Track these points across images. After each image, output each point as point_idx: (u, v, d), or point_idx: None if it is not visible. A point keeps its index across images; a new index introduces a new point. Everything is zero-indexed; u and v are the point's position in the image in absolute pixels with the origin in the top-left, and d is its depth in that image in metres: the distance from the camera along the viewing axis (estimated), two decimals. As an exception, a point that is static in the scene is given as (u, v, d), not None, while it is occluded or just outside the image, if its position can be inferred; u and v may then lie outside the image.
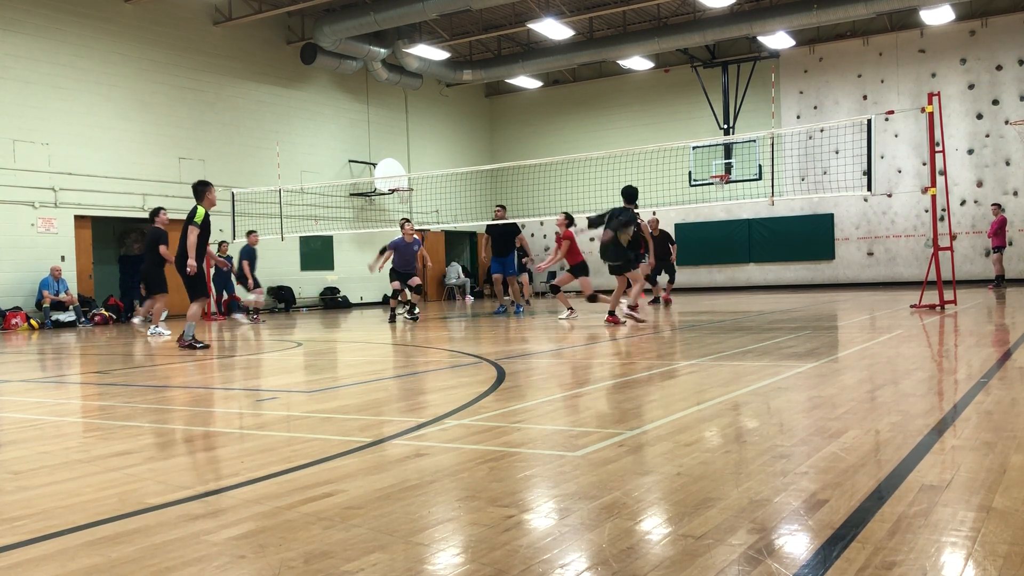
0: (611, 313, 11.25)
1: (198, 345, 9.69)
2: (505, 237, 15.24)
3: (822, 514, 2.49)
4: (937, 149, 12.53)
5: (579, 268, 13.12)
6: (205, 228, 9.80)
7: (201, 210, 9.73)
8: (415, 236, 14.62)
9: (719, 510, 2.57)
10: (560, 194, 22.89)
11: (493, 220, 15.91)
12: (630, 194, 11.42)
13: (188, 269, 9.64)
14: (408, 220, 14.78)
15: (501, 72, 25.65)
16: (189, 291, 9.92)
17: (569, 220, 13.55)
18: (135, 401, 5.59)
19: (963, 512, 2.47)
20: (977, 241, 22.73)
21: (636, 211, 11.51)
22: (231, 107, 20.95)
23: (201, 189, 9.84)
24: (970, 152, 22.88)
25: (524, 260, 16.74)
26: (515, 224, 15.59)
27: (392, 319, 14.66)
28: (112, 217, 18.73)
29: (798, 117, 24.73)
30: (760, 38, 22.84)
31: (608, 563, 2.15)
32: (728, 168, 23.27)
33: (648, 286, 15.39)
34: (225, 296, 18.59)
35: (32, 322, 16.31)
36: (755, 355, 7.04)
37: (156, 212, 12.65)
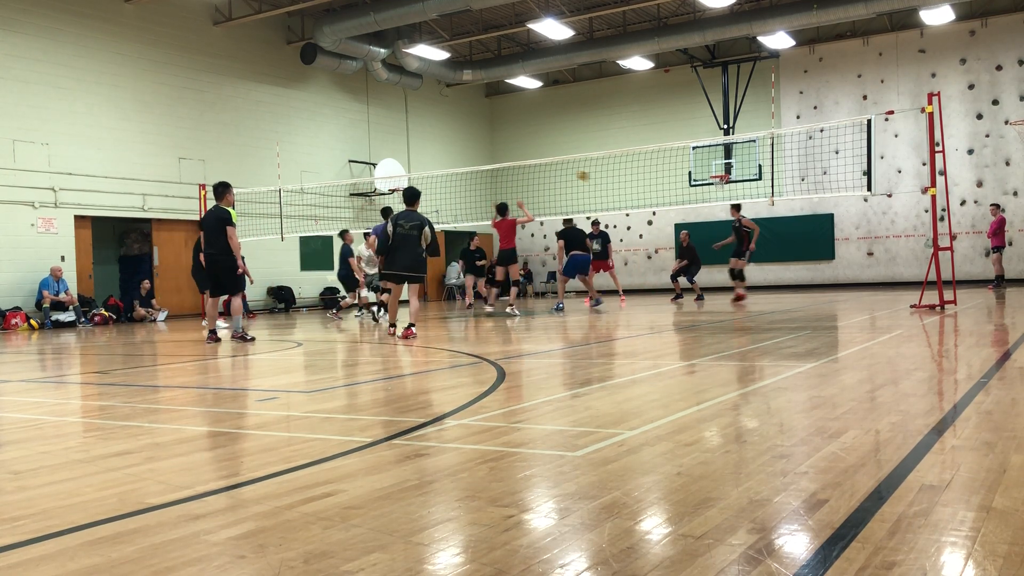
0: (403, 326, 10.49)
1: (248, 337, 10.71)
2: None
3: (822, 514, 2.49)
4: (937, 149, 12.54)
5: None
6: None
7: (233, 211, 10.86)
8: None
9: (719, 510, 2.57)
10: (560, 194, 22.92)
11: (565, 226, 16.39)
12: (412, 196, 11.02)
13: (239, 270, 10.75)
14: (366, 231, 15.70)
15: (501, 72, 25.65)
16: (231, 288, 10.94)
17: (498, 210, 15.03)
18: (135, 401, 5.59)
19: (963, 512, 2.47)
20: (977, 241, 22.73)
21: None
22: (231, 107, 20.95)
23: (222, 190, 10.90)
24: (970, 152, 22.88)
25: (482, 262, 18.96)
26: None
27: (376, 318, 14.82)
28: (112, 217, 18.73)
29: (798, 117, 24.73)
30: (760, 38, 22.84)
31: (608, 563, 2.15)
32: (728, 168, 23.28)
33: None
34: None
35: (32, 322, 16.30)
36: (755, 355, 7.03)
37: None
